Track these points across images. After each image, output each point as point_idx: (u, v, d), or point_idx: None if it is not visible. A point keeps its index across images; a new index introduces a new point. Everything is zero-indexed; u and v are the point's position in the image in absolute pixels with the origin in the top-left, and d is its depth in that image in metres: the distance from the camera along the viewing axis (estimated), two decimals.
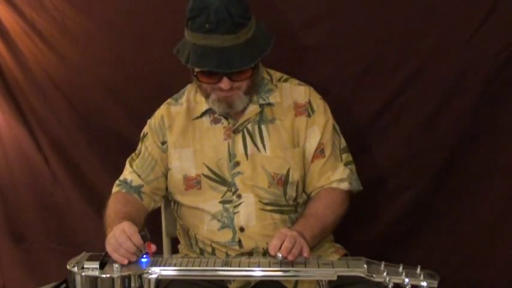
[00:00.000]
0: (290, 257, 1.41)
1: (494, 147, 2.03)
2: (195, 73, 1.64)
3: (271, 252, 1.43)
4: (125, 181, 1.75)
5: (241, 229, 1.66)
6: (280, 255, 1.40)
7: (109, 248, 1.45)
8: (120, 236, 1.45)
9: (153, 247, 1.47)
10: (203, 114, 1.73)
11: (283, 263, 1.41)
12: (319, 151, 1.72)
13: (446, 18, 1.95)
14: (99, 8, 2.13)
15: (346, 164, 1.75)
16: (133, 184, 1.73)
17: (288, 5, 2.02)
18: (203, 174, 1.69)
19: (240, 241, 1.66)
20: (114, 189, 1.76)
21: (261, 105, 1.70)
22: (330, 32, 2.03)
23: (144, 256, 1.46)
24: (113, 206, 1.68)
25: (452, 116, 2.01)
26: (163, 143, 1.75)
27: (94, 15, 2.14)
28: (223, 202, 1.68)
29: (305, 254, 1.44)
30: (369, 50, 2.02)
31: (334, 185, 1.71)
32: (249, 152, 1.69)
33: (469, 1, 1.93)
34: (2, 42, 2.20)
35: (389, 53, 2.01)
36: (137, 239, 1.45)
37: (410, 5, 1.97)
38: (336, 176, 1.72)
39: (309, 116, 1.72)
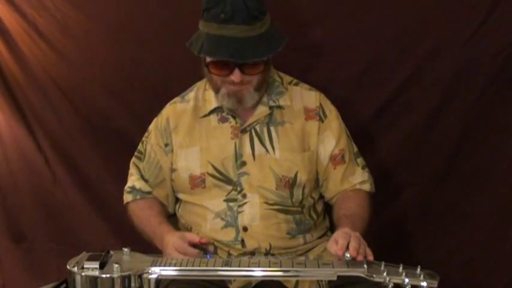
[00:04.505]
0: (359, 257, 1.36)
1: (494, 147, 2.04)
2: (206, 63, 1.63)
3: (339, 252, 1.36)
4: (133, 188, 1.77)
5: (245, 229, 1.65)
6: (349, 256, 1.35)
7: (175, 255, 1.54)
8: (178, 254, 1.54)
9: (204, 240, 1.57)
10: (211, 112, 1.72)
11: (351, 263, 1.35)
12: (340, 157, 1.73)
13: (446, 18, 1.96)
14: (100, 8, 2.13)
15: (362, 168, 1.77)
16: (144, 190, 1.77)
17: (288, 5, 2.02)
18: (208, 173, 1.69)
19: (242, 240, 1.65)
20: (127, 197, 1.79)
21: (271, 107, 1.70)
22: (330, 32, 2.03)
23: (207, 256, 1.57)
24: (141, 214, 1.74)
25: (452, 116, 2.02)
26: (167, 145, 1.74)
27: (95, 15, 2.14)
28: (227, 200, 1.67)
29: (370, 257, 1.37)
30: (368, 50, 2.02)
31: (357, 186, 1.73)
32: (256, 152, 1.68)
33: (469, 1, 1.94)
34: (2, 42, 2.20)
35: (389, 53, 2.01)
36: (191, 252, 1.53)
37: (410, 5, 1.97)
38: (358, 179, 1.74)
39: (321, 120, 1.72)
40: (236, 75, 1.58)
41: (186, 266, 1.39)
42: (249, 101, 1.64)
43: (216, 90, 1.66)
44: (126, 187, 1.80)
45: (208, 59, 1.61)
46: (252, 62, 1.58)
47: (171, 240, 1.57)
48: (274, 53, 1.62)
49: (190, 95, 1.77)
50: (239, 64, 1.57)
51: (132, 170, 1.81)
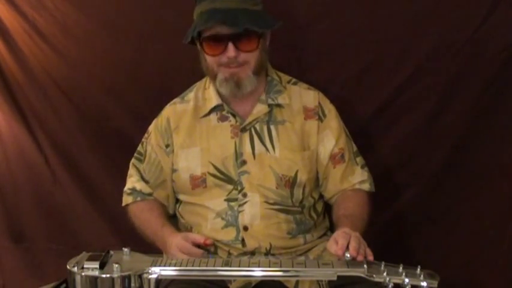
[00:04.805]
0: (359, 257, 1.35)
1: (494, 147, 2.03)
2: (200, 42, 1.63)
3: (339, 252, 1.36)
4: (134, 189, 1.77)
5: (245, 228, 1.65)
6: (349, 256, 1.35)
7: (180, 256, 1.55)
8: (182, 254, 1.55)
9: (209, 241, 1.57)
10: (211, 111, 1.72)
11: (351, 263, 1.35)
12: (340, 156, 1.73)
13: (446, 18, 1.96)
14: (100, 7, 2.13)
15: (362, 167, 1.77)
16: (145, 191, 1.76)
17: (288, 5, 2.02)
18: (208, 173, 1.68)
19: (243, 240, 1.65)
20: (127, 198, 1.79)
21: (270, 106, 1.70)
22: (330, 32, 2.03)
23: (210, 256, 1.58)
24: (142, 216, 1.74)
25: (452, 116, 2.01)
26: (167, 145, 1.74)
27: (95, 15, 2.14)
28: (228, 200, 1.67)
29: (370, 257, 1.37)
30: (368, 50, 2.02)
31: (357, 186, 1.74)
32: (256, 151, 1.68)
33: (469, 1, 1.94)
34: (2, 42, 2.20)
35: (389, 53, 2.01)
36: (195, 252, 1.54)
37: (410, 5, 1.97)
38: (357, 178, 1.74)
39: (320, 119, 1.73)
40: (230, 50, 1.58)
41: (186, 266, 1.39)
42: (247, 85, 1.64)
43: (214, 77, 1.66)
44: (125, 189, 1.80)
45: (202, 37, 1.61)
46: (246, 34, 1.57)
47: (174, 241, 1.57)
48: (269, 29, 1.63)
49: (190, 95, 1.77)
50: (233, 40, 1.57)
51: (132, 171, 1.80)
